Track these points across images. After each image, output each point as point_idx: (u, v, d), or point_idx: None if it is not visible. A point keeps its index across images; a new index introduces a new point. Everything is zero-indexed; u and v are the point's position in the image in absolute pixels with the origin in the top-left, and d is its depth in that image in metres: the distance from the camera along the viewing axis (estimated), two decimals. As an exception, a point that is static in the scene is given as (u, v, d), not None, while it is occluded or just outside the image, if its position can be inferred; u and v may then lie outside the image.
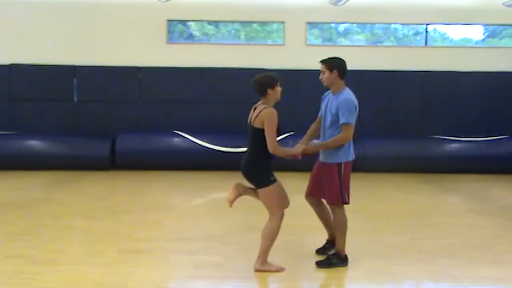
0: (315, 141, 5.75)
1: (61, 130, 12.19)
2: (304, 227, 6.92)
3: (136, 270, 5.29)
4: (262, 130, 5.15)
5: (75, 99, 12.44)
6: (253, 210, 7.87)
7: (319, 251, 5.88)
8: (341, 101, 5.37)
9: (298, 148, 5.42)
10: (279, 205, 5.31)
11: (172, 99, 12.46)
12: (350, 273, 5.39)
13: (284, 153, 5.30)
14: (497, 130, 12.22)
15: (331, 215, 5.64)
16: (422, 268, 5.52)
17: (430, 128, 12.46)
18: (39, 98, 12.29)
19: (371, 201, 8.92)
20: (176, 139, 11.62)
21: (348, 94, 5.46)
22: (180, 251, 5.96)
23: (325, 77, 5.50)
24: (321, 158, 5.59)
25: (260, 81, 5.29)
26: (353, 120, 5.36)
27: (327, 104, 5.57)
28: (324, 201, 5.71)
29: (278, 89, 5.33)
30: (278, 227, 5.30)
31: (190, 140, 11.51)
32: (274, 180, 5.27)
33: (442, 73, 12.66)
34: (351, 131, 5.35)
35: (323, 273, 5.43)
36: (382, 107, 12.51)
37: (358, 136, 5.61)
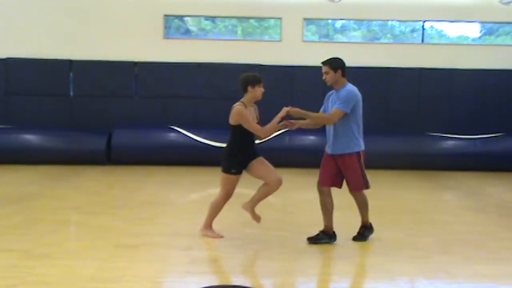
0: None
1: (57, 124, 12.17)
2: (299, 223, 6.94)
3: (131, 265, 5.29)
4: (233, 126, 5.85)
5: (71, 93, 12.42)
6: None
7: (311, 239, 6.07)
8: (342, 91, 5.82)
9: (282, 111, 5.73)
10: (226, 192, 6.08)
11: (168, 94, 12.44)
12: (345, 269, 5.41)
13: (271, 127, 5.80)
14: (493, 127, 12.25)
15: (332, 206, 6.08)
16: (417, 264, 5.54)
17: (426, 125, 12.48)
18: (35, 92, 12.26)
19: (367, 198, 8.92)
20: (172, 134, 11.61)
21: (351, 87, 5.89)
22: (175, 246, 5.96)
23: (330, 77, 5.85)
24: (337, 150, 5.92)
25: (243, 78, 5.93)
26: (346, 109, 5.75)
27: (330, 102, 5.93)
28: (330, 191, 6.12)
29: (259, 89, 5.88)
30: (221, 204, 6.17)
31: (186, 135, 11.51)
32: (235, 173, 5.95)
33: (438, 70, 12.68)
34: (337, 117, 5.76)
35: (317, 269, 5.45)
36: (378, 103, 12.51)
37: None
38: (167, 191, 9.21)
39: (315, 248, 5.94)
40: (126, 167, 11.20)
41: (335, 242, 6.12)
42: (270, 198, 8.44)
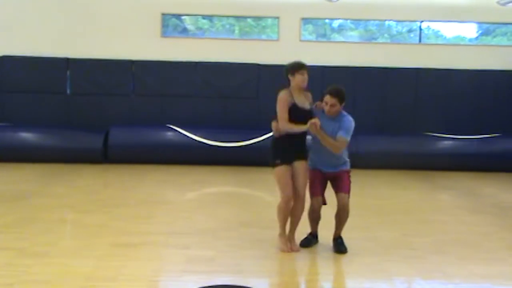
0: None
1: (54, 122, 12.14)
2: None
3: (128, 264, 5.28)
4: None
5: (68, 91, 12.40)
6: (246, 206, 7.89)
7: (303, 243, 6.01)
8: (346, 121, 5.79)
9: (306, 126, 5.60)
10: (282, 191, 5.71)
11: (165, 93, 12.43)
12: (341, 269, 5.41)
13: (293, 127, 5.61)
14: (490, 128, 12.27)
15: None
16: (413, 264, 5.54)
17: (422, 125, 12.49)
18: (32, 90, 12.23)
19: (364, 198, 8.94)
20: (169, 133, 11.60)
21: (350, 116, 5.87)
22: (172, 245, 5.95)
23: (336, 110, 5.76)
24: (331, 168, 5.93)
25: (285, 67, 5.88)
26: (349, 138, 5.81)
27: (325, 122, 5.75)
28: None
29: (298, 76, 5.74)
30: (281, 208, 5.74)
31: (183, 134, 11.50)
32: (280, 163, 5.66)
33: (435, 71, 12.69)
34: (344, 146, 5.79)
35: (313, 269, 5.46)
36: (375, 103, 12.53)
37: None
38: (164, 190, 9.20)
39: (311, 247, 5.94)
40: (122, 166, 11.18)
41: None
42: (266, 197, 8.45)
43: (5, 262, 5.23)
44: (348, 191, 6.03)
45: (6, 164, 10.96)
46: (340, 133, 5.72)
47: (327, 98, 5.73)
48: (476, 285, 5.14)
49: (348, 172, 6.07)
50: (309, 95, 5.97)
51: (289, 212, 5.79)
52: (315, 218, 6.06)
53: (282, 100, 5.68)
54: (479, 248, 6.22)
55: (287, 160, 5.70)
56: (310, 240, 6.06)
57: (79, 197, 8.35)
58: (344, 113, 5.86)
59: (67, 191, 8.78)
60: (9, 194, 8.32)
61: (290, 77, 5.79)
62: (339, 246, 5.88)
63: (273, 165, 5.72)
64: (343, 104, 5.79)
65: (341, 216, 5.96)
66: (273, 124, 5.78)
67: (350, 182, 6.07)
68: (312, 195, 6.00)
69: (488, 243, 6.42)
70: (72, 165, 11.01)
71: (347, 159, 6.06)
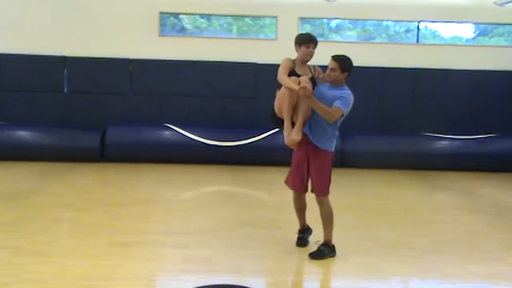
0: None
1: (51, 121, 12.11)
2: (294, 222, 6.91)
3: (125, 263, 5.27)
4: None
5: (66, 90, 12.36)
6: (244, 206, 7.89)
7: (299, 243, 5.94)
8: (345, 94, 5.47)
9: (303, 84, 5.34)
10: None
11: (163, 92, 12.41)
12: (339, 268, 5.41)
13: (287, 83, 5.41)
14: (487, 128, 12.28)
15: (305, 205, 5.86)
16: (411, 264, 5.54)
17: (420, 125, 12.49)
18: (29, 89, 12.20)
19: (361, 197, 8.95)
20: (167, 132, 11.58)
21: (350, 92, 5.54)
22: (169, 244, 5.94)
23: (335, 75, 5.49)
24: (315, 140, 5.55)
25: (295, 38, 5.79)
26: (346, 111, 5.42)
27: (319, 90, 5.52)
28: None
29: (304, 49, 5.63)
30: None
31: (180, 133, 11.48)
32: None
33: (432, 71, 12.70)
34: (337, 117, 5.40)
35: (311, 268, 5.44)
36: (373, 103, 12.53)
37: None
38: (162, 189, 9.18)
39: (309, 247, 5.92)
40: (120, 165, 11.16)
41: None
42: (265, 197, 8.43)
43: (2, 261, 5.22)
44: (326, 190, 5.64)
45: (4, 162, 10.93)
46: (336, 103, 5.38)
47: (330, 62, 5.54)
48: (474, 285, 5.14)
49: (331, 155, 5.63)
50: (317, 69, 5.80)
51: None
52: (299, 210, 5.92)
53: (284, 63, 5.58)
54: (477, 248, 6.22)
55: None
56: (304, 239, 5.97)
57: (77, 196, 8.33)
58: (346, 87, 5.56)
59: (64, 190, 8.76)
60: (6, 193, 8.30)
61: (297, 48, 5.70)
62: (314, 254, 5.61)
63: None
64: (346, 74, 5.51)
65: (323, 218, 5.72)
66: (277, 92, 5.67)
67: (330, 171, 5.65)
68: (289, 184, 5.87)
69: (486, 243, 6.42)
70: (69, 164, 10.98)
71: (334, 139, 5.62)
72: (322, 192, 5.62)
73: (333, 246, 5.68)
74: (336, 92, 5.47)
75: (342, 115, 5.44)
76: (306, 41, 5.64)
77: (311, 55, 5.68)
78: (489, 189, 10.10)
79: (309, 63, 5.76)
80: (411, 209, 8.19)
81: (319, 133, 5.55)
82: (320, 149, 5.57)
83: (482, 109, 12.68)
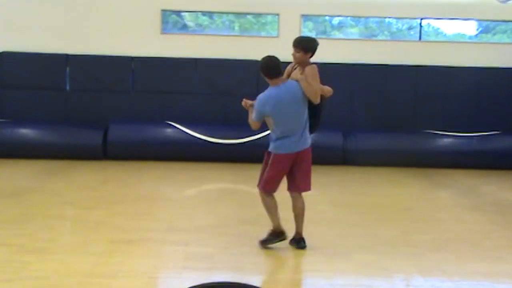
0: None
1: (53, 118, 12.11)
2: (292, 219, 6.93)
3: (127, 260, 5.28)
4: None
5: (68, 88, 12.37)
6: (245, 203, 7.89)
7: (291, 242, 5.85)
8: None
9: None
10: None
11: (165, 89, 12.41)
12: (340, 266, 5.41)
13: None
14: (489, 125, 12.25)
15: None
16: (412, 262, 5.54)
17: (422, 123, 12.46)
18: (31, 86, 12.20)
19: (363, 195, 8.95)
20: (169, 130, 11.59)
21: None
22: (171, 242, 5.95)
23: (298, 58, 5.75)
24: (300, 147, 5.59)
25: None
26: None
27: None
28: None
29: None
30: None
31: (183, 131, 11.48)
32: None
33: (435, 68, 12.67)
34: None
35: (313, 266, 5.44)
36: (375, 101, 12.50)
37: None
38: (163, 186, 9.20)
39: (310, 245, 5.92)
40: (122, 162, 11.17)
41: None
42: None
43: (4, 258, 5.23)
44: (309, 185, 5.75)
45: (5, 160, 10.95)
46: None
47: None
48: (476, 283, 5.14)
49: (311, 150, 5.71)
50: (308, 69, 5.73)
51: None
52: (296, 213, 5.88)
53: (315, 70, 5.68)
54: (478, 246, 6.22)
55: None
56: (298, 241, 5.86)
57: (78, 194, 8.34)
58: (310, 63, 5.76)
59: (66, 188, 8.77)
60: (8, 190, 8.31)
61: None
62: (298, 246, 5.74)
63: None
64: (309, 54, 5.72)
65: (300, 211, 5.83)
66: None
67: (271, 169, 5.65)
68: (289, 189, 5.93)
69: (487, 241, 6.42)
70: (71, 162, 10.99)
71: (274, 137, 5.67)
72: (307, 188, 5.74)
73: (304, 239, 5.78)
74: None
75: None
76: (294, 43, 5.86)
77: (294, 57, 5.81)
78: (491, 187, 10.09)
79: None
80: (413, 207, 8.19)
81: (305, 135, 5.64)
82: (306, 149, 5.65)
83: (485, 106, 12.65)
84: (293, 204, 5.79)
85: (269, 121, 5.66)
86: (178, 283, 4.83)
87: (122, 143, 11.41)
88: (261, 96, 5.66)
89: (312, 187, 5.83)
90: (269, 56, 5.71)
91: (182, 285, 4.70)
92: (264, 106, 5.58)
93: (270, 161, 5.65)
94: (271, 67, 5.68)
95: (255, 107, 5.64)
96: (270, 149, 5.70)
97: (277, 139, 5.61)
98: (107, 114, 12.10)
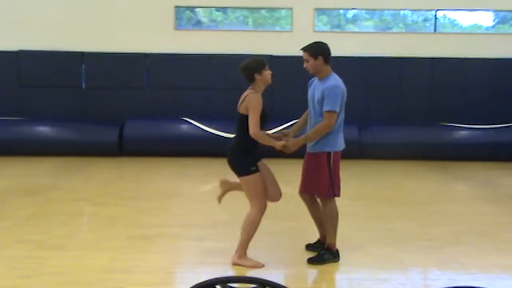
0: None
1: (70, 116, 12.21)
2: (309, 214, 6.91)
3: (144, 256, 5.31)
4: (247, 117, 5.01)
5: (83, 85, 12.46)
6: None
7: (308, 247, 5.65)
8: (326, 87, 5.09)
9: (278, 144, 5.14)
10: (260, 196, 5.14)
11: (180, 85, 12.44)
12: (357, 259, 5.39)
13: (264, 139, 5.06)
14: (506, 117, 12.13)
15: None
16: (429, 255, 5.52)
17: (438, 115, 12.38)
18: (47, 84, 12.31)
19: (379, 188, 8.91)
20: (184, 126, 11.63)
21: (335, 80, 5.17)
22: (187, 237, 5.98)
23: (310, 65, 5.19)
24: (309, 147, 5.32)
25: (246, 66, 5.10)
26: (337, 108, 5.07)
27: (313, 91, 5.30)
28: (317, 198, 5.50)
29: (266, 72, 5.10)
30: (257, 221, 5.13)
31: (198, 126, 11.51)
32: (256, 170, 5.11)
33: (451, 60, 12.56)
34: (333, 119, 5.09)
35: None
36: (391, 94, 12.44)
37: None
38: (179, 182, 9.23)
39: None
40: (138, 159, 11.23)
41: (347, 233, 6.07)
42: (281, 189, 8.38)
43: (23, 254, 5.29)
44: (327, 193, 5.24)
45: (23, 158, 11.06)
46: (324, 108, 5.06)
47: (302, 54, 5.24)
48: (493, 275, 5.10)
49: (326, 156, 5.19)
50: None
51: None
52: (313, 218, 5.57)
53: (259, 103, 4.98)
54: (496, 238, 6.17)
55: (257, 165, 5.20)
56: (316, 247, 5.57)
57: (95, 190, 8.40)
58: (332, 75, 5.20)
59: (83, 184, 8.84)
60: (26, 188, 8.40)
61: (257, 76, 5.06)
62: (313, 259, 5.33)
63: (248, 173, 5.11)
64: (321, 59, 5.15)
65: (325, 220, 5.40)
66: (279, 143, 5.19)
67: (330, 173, 5.19)
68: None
69: (505, 234, 6.36)
70: (88, 158, 11.07)
71: (330, 136, 5.17)
72: (321, 194, 5.34)
73: (337, 251, 5.35)
74: (323, 87, 5.12)
75: (337, 113, 5.11)
76: (265, 64, 5.11)
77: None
78: (508, 179, 9.99)
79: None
80: (429, 200, 8.13)
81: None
82: (313, 152, 5.30)
83: (502, 98, 12.53)
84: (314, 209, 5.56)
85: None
86: (194, 278, 4.84)
87: (138, 139, 11.47)
88: (336, 83, 5.14)
89: None
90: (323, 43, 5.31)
91: (198, 280, 4.71)
92: (343, 91, 5.15)
93: (331, 162, 5.20)
94: (329, 53, 5.26)
95: (335, 96, 5.04)
96: (325, 148, 5.19)
97: (335, 133, 5.20)
98: (122, 110, 12.18)
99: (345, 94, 5.20)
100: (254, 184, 5.10)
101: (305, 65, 5.24)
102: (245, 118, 5.05)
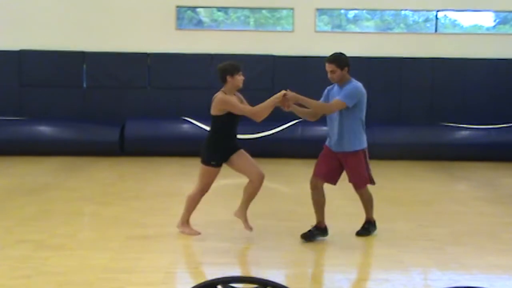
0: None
1: (71, 115, 12.22)
2: (312, 214, 6.90)
3: (144, 256, 5.31)
4: (215, 116, 5.75)
5: (85, 85, 12.47)
6: (261, 198, 7.88)
7: (304, 236, 5.81)
8: (348, 86, 5.63)
9: (279, 94, 5.68)
10: (204, 186, 5.94)
11: (181, 85, 12.45)
12: (358, 260, 5.40)
13: (264, 107, 5.69)
14: (507, 117, 12.13)
15: (324, 201, 5.88)
16: (430, 255, 5.51)
17: (439, 115, 12.38)
18: (48, 84, 12.32)
19: (380, 189, 8.83)
20: (185, 126, 11.63)
21: (357, 83, 5.69)
22: (188, 237, 5.97)
23: (337, 75, 5.65)
24: (343, 148, 5.76)
25: (221, 68, 5.73)
26: (348, 102, 5.56)
27: (333, 96, 5.73)
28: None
29: (238, 77, 5.73)
30: (197, 199, 5.99)
31: (199, 126, 11.51)
32: (214, 165, 5.84)
33: (452, 60, 12.56)
34: (337, 108, 5.60)
35: (330, 260, 5.44)
36: (392, 94, 12.44)
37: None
38: (180, 182, 9.23)
39: (327, 239, 5.92)
40: (139, 158, 11.24)
41: (331, 235, 6.06)
42: (283, 189, 8.43)
43: (24, 254, 5.29)
44: (365, 183, 5.96)
45: (24, 157, 11.07)
46: (338, 97, 5.62)
47: (326, 66, 5.72)
48: (494, 276, 5.09)
49: (363, 153, 5.87)
50: (241, 96, 5.99)
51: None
52: (315, 202, 5.87)
53: (229, 99, 5.68)
54: (497, 239, 6.16)
55: (221, 162, 5.91)
56: (312, 234, 5.81)
57: (96, 190, 8.41)
58: (353, 80, 5.73)
59: (84, 184, 8.85)
60: (27, 187, 8.40)
61: (229, 78, 5.70)
62: (361, 231, 6.03)
63: (207, 164, 5.85)
64: (346, 69, 5.69)
65: (363, 202, 6.05)
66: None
67: (367, 166, 5.94)
68: (313, 175, 5.91)
69: (506, 234, 6.35)
70: (88, 158, 11.08)
71: (360, 136, 5.81)
72: (361, 185, 5.99)
73: (375, 222, 6.08)
74: (344, 88, 5.66)
75: (346, 107, 5.58)
76: (240, 69, 5.76)
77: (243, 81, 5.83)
78: (509, 179, 9.99)
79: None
80: (430, 200, 8.13)
81: (342, 139, 5.80)
82: (349, 152, 5.86)
83: (503, 98, 12.52)
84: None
85: (356, 114, 5.69)
86: (195, 278, 4.85)
87: (139, 139, 11.48)
88: (357, 84, 5.68)
89: None
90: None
91: (199, 280, 4.73)
92: (362, 93, 5.69)
93: (366, 157, 5.91)
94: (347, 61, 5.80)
95: (352, 93, 5.59)
96: (361, 146, 5.84)
97: (363, 133, 5.85)
98: (123, 110, 12.19)
99: (365, 98, 5.75)
100: (208, 174, 5.91)
101: (330, 75, 5.70)
102: (214, 118, 5.83)
